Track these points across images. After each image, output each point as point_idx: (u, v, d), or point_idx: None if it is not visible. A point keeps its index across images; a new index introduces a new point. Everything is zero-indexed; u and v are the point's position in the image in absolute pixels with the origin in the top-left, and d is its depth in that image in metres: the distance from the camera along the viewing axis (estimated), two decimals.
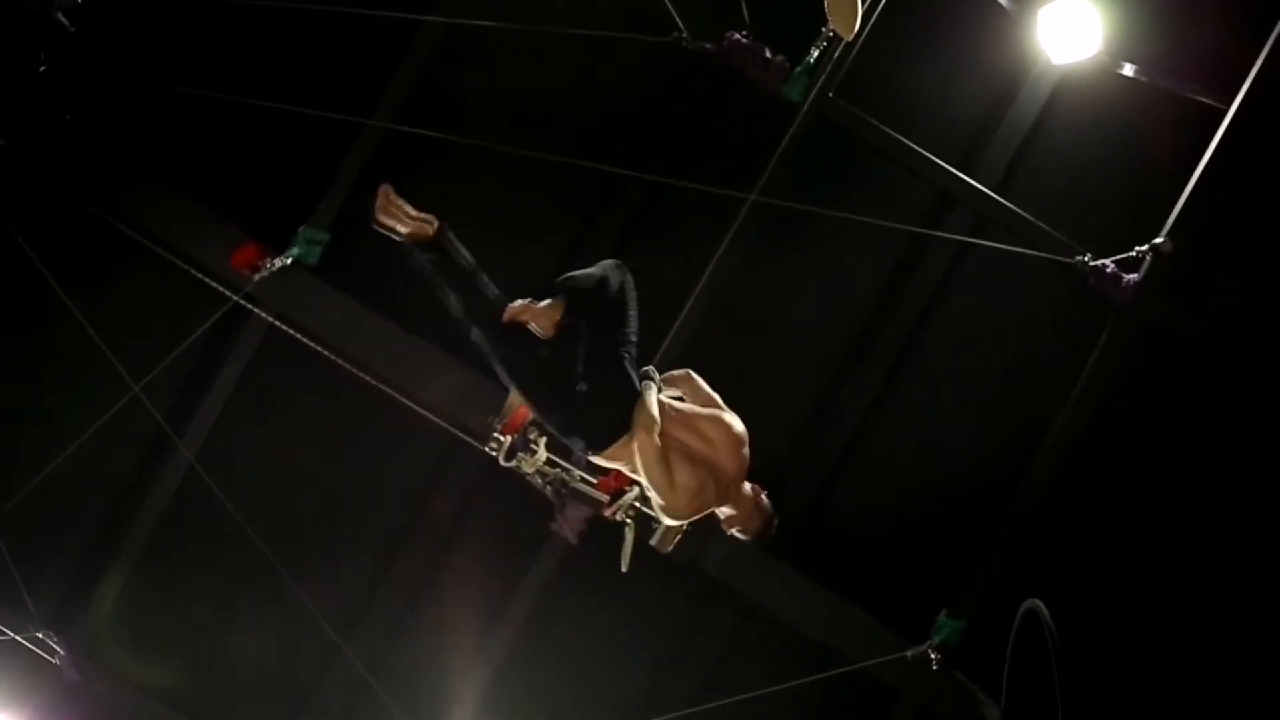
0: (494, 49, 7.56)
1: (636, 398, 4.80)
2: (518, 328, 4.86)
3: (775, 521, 5.04)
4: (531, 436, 6.57)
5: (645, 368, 4.95)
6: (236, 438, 7.63)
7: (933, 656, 7.30)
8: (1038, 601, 6.65)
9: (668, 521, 5.08)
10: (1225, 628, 7.75)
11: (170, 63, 7.30)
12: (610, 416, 4.80)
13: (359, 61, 7.60)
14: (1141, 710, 7.63)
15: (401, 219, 4.95)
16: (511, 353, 4.88)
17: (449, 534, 7.90)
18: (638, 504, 6.36)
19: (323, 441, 7.83)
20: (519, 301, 4.89)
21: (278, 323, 7.10)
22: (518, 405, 6.71)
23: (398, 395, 7.01)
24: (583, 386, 4.80)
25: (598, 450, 4.85)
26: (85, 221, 6.91)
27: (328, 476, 7.83)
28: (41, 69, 6.86)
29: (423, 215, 4.98)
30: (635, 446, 4.73)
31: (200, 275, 6.92)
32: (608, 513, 6.54)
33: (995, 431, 8.00)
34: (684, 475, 4.74)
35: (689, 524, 6.27)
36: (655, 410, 4.78)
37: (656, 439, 4.72)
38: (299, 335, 6.99)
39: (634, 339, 4.95)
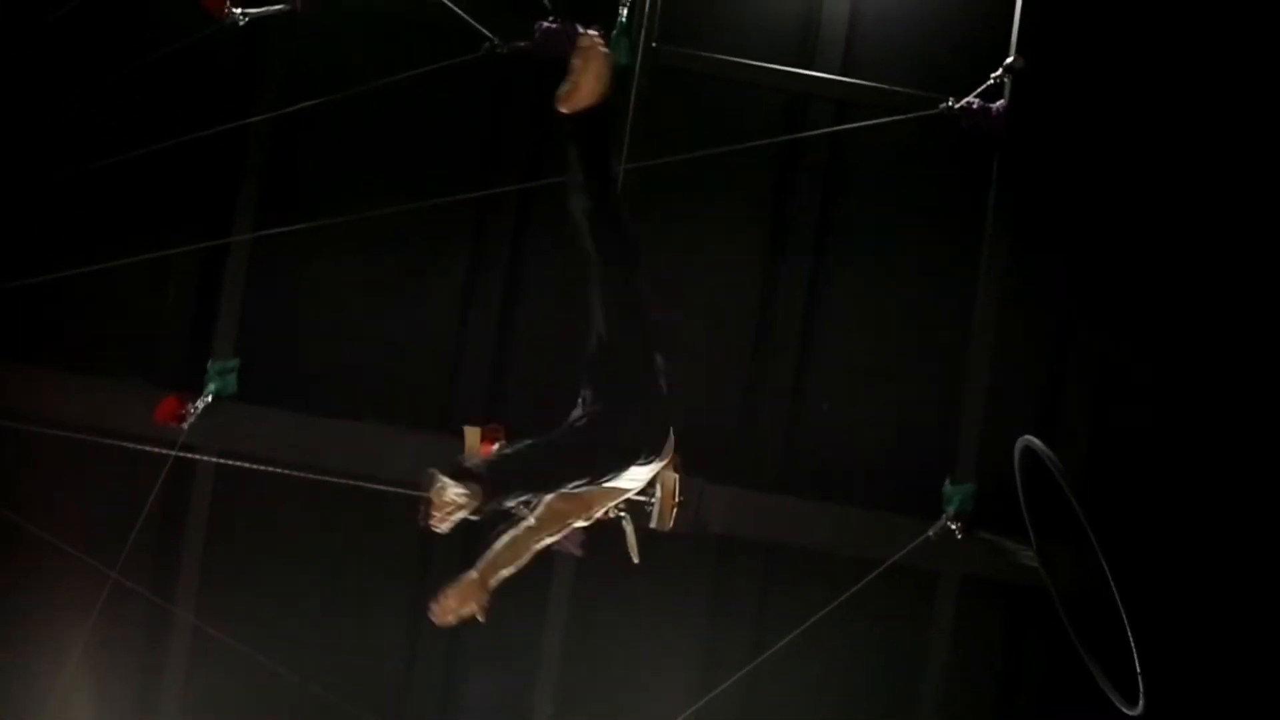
0: (323, 121, 7.53)
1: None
2: None
3: None
4: None
5: None
6: (228, 580, 7.62)
7: (953, 527, 7.35)
8: (1030, 438, 6.69)
9: None
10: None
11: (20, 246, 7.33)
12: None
13: (201, 184, 7.62)
14: (1164, 502, 7.77)
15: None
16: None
17: None
18: None
19: (310, 549, 7.81)
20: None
21: (223, 460, 7.11)
22: (478, 446, 6.73)
23: (362, 484, 7.02)
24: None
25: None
26: None
27: (327, 579, 7.81)
28: None
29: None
30: None
31: (129, 444, 6.90)
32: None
33: (928, 294, 8.01)
34: None
35: (679, 495, 6.42)
36: None
37: None
38: (247, 464, 6.99)
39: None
